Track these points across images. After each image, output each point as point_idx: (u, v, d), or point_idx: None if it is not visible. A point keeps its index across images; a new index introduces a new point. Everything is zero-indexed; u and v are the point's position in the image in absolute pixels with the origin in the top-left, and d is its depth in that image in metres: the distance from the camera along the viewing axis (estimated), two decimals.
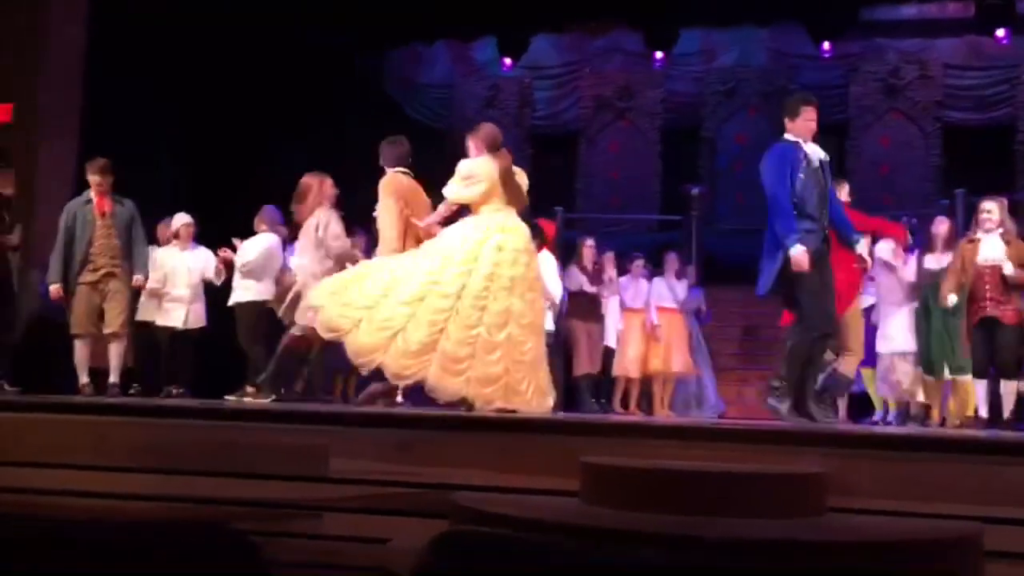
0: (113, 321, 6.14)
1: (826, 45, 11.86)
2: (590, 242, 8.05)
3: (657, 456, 3.43)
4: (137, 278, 6.32)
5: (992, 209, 5.96)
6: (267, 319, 6.78)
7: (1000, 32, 11.33)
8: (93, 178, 6.20)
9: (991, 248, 5.89)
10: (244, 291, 6.84)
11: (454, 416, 4.55)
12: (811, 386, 4.84)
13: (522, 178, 5.48)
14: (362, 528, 3.50)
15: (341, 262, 6.11)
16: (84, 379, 6.13)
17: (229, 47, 10.44)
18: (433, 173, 10.81)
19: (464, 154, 5.60)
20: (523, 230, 5.26)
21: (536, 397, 5.00)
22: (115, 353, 6.24)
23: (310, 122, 11.94)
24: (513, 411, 4.85)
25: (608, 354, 8.10)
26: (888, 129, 11.84)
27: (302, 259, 6.33)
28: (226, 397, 6.58)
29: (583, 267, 7.94)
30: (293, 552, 3.35)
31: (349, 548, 3.46)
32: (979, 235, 5.98)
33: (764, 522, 2.89)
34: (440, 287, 4.93)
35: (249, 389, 6.41)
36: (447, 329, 4.85)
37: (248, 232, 7.02)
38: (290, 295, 6.29)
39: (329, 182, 6.57)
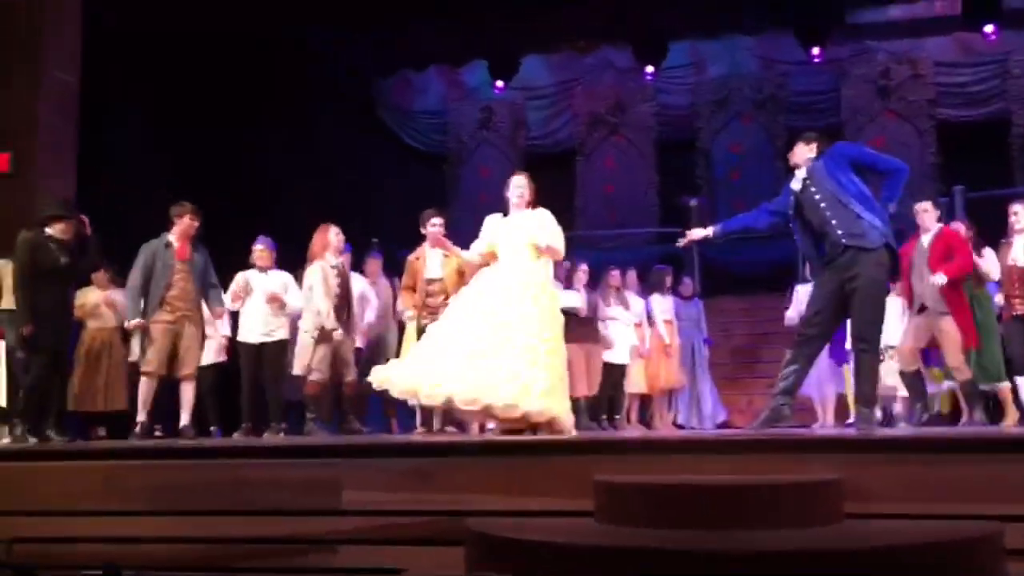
0: (188, 363, 6.18)
1: (815, 50, 11.90)
2: (584, 267, 8.04)
3: (670, 471, 3.41)
4: (217, 309, 6.46)
5: (1019, 211, 6.17)
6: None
7: (988, 28, 11.37)
8: (182, 223, 6.23)
9: (1020, 249, 6.13)
10: (280, 329, 6.94)
11: (463, 442, 4.54)
12: None
13: None
14: (377, 559, 3.47)
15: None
16: (142, 417, 6.12)
17: (219, 82, 10.52)
18: (432, 198, 10.87)
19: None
20: None
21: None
22: (188, 395, 6.26)
23: (311, 152, 12.02)
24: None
25: (615, 371, 8.07)
26: (883, 130, 11.87)
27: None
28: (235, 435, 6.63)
29: (577, 290, 7.91)
30: None
31: None
32: (1012, 238, 6.20)
33: (782, 532, 2.86)
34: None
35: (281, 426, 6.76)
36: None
37: (245, 264, 7.05)
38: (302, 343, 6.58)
39: (326, 232, 6.70)
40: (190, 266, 6.21)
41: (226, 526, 3.71)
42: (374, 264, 7.84)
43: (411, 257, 6.69)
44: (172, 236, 6.24)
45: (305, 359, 6.54)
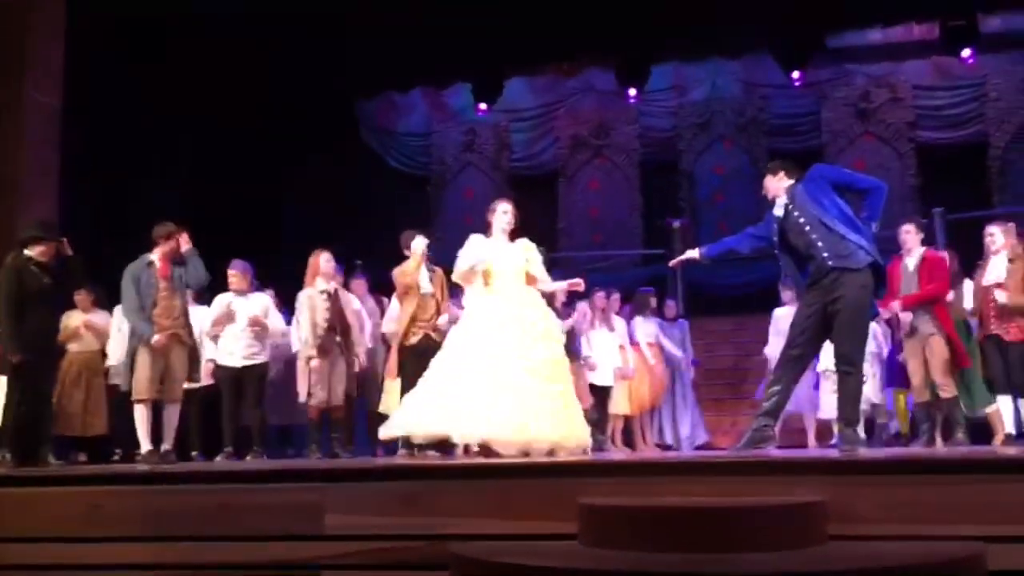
0: (174, 387, 6.12)
1: (796, 74, 12.04)
2: (602, 294, 8.19)
3: (654, 493, 3.41)
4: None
5: (995, 233, 6.32)
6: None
7: (965, 52, 11.54)
8: (165, 243, 6.18)
9: (993, 270, 6.25)
10: (261, 353, 6.94)
11: (447, 465, 4.52)
12: None
13: None
14: None
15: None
16: (147, 446, 6.00)
17: (204, 103, 10.52)
18: (417, 220, 10.86)
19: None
20: None
21: None
22: (172, 418, 6.16)
23: (296, 174, 12.03)
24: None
25: (599, 392, 8.07)
26: (862, 152, 11.99)
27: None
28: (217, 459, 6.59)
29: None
30: None
31: None
32: (988, 259, 6.35)
33: (767, 555, 2.87)
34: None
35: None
36: None
37: (224, 287, 7.03)
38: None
39: (317, 259, 6.75)
40: (173, 283, 6.16)
41: (211, 552, 3.68)
42: (359, 285, 7.84)
43: (399, 271, 6.65)
44: (154, 256, 6.21)
45: (304, 385, 6.57)
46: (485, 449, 5.14)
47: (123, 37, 9.44)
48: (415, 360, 6.34)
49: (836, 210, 4.78)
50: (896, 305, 6.26)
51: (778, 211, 5.00)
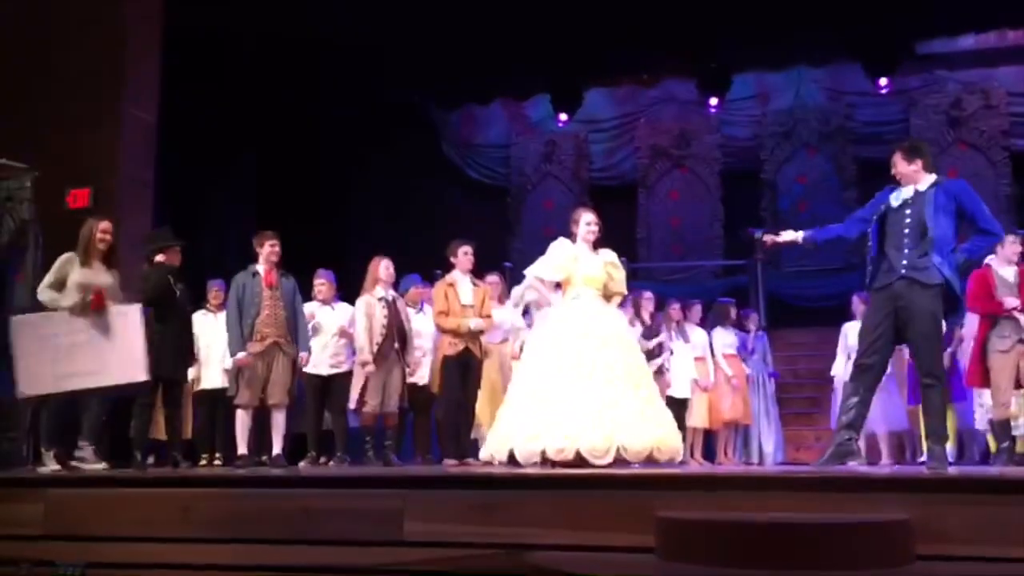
0: (278, 392, 6.30)
1: (883, 81, 11.74)
2: (648, 294, 8.10)
3: (733, 508, 3.37)
4: (302, 355, 6.51)
5: None
6: None
7: None
8: (264, 250, 6.42)
9: None
10: (346, 361, 7.11)
11: (526, 475, 4.54)
12: None
13: None
14: None
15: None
16: (243, 449, 6.25)
17: (291, 117, 10.79)
18: (497, 231, 10.92)
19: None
20: None
21: None
22: (279, 424, 6.37)
23: (378, 185, 12.24)
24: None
25: (676, 406, 7.99)
26: (954, 161, 11.63)
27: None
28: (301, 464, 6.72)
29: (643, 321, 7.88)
30: None
31: None
32: None
33: (851, 573, 2.81)
34: None
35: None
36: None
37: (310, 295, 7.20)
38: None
39: (377, 266, 6.82)
40: (278, 292, 6.35)
41: (292, 555, 3.77)
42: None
43: (441, 284, 6.74)
44: (258, 265, 6.40)
45: (356, 391, 6.67)
46: (577, 462, 5.14)
47: (213, 53, 9.74)
48: (456, 372, 6.49)
49: (941, 231, 4.65)
50: (1011, 301, 6.05)
51: (895, 200, 4.82)
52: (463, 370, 6.55)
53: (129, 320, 5.62)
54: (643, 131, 12.93)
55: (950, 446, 7.38)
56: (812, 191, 12.20)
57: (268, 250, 6.42)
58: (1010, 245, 6.26)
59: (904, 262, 4.65)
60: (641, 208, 12.71)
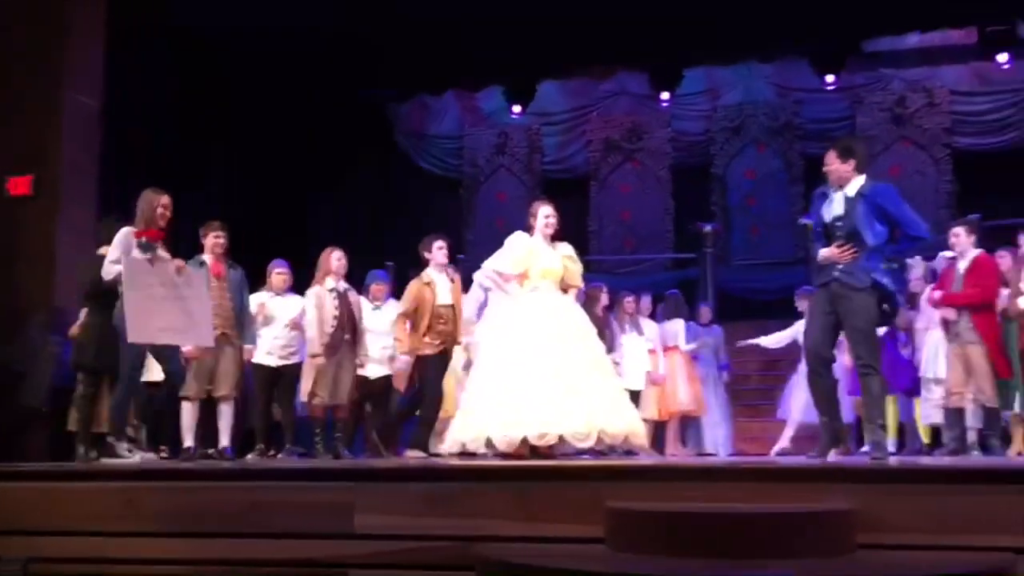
0: (225, 383, 6.21)
1: (830, 77, 11.92)
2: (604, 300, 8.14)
3: (682, 498, 3.41)
4: (248, 348, 6.42)
5: None
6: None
7: (1003, 57, 11.37)
8: (209, 241, 6.31)
9: None
10: (296, 353, 7.01)
11: (476, 467, 4.54)
12: None
13: None
14: None
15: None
16: (189, 442, 6.12)
17: (238, 106, 10.64)
18: (447, 222, 10.88)
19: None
20: None
21: None
22: (226, 416, 6.27)
23: (331, 178, 12.12)
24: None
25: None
26: (898, 157, 11.87)
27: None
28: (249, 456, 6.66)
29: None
30: None
31: None
32: None
33: (795, 562, 2.86)
34: None
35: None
36: None
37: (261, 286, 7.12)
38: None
39: (329, 257, 6.70)
40: (226, 283, 6.26)
41: (242, 548, 3.73)
42: (378, 289, 7.80)
43: (417, 283, 6.66)
44: (205, 255, 6.32)
45: (306, 384, 6.60)
46: (559, 445, 5.23)
47: (157, 43, 9.57)
48: (436, 371, 6.46)
49: (873, 239, 4.80)
50: (936, 295, 6.24)
51: (827, 213, 4.95)
52: (442, 367, 6.55)
53: (201, 286, 5.75)
54: (595, 124, 12.98)
55: (891, 438, 7.57)
56: (761, 186, 12.37)
57: (213, 241, 6.31)
58: (952, 236, 6.40)
59: (839, 265, 4.82)
60: (593, 201, 12.77)
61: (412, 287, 6.67)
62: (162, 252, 5.62)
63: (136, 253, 5.49)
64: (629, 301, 8.31)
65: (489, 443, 5.36)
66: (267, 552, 3.71)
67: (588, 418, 5.22)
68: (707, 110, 12.72)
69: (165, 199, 5.66)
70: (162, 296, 5.43)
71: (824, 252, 4.89)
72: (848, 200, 4.88)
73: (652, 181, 12.72)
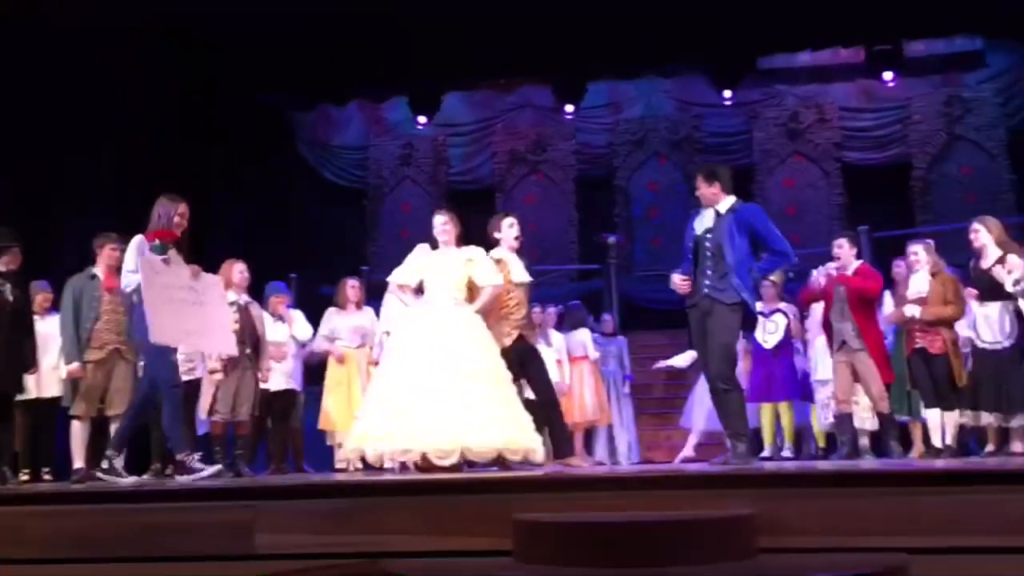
0: (117, 403, 5.92)
1: (728, 93, 12.27)
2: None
3: (589, 508, 3.42)
4: (140, 364, 6.07)
5: (918, 251, 6.50)
6: None
7: (888, 75, 11.90)
8: (104, 253, 6.04)
9: (915, 285, 6.42)
10: (195, 369, 6.71)
11: (381, 481, 4.48)
12: None
13: None
14: None
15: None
16: (79, 463, 5.82)
17: (138, 113, 10.30)
18: (355, 233, 10.72)
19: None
20: None
21: None
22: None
23: (232, 188, 11.82)
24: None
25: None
26: (792, 171, 12.29)
27: None
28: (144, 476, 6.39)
29: None
30: None
31: None
32: (911, 276, 6.53)
33: (698, 568, 2.90)
34: None
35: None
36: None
37: None
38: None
39: (229, 270, 6.55)
40: (119, 297, 5.97)
41: (137, 572, 3.59)
42: (278, 301, 7.61)
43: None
44: (97, 268, 6.06)
45: (206, 400, 6.42)
46: (425, 464, 5.10)
47: (51, 40, 9.20)
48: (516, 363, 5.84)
49: (737, 255, 5.09)
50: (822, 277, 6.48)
51: (699, 227, 5.25)
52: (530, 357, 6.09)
53: (219, 292, 5.62)
54: (500, 136, 13.05)
55: (788, 443, 7.79)
56: (662, 198, 12.62)
57: (108, 253, 6.07)
58: (836, 248, 6.60)
59: (707, 283, 5.10)
60: (499, 212, 12.80)
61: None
62: (176, 256, 5.39)
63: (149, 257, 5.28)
64: (536, 312, 8.33)
65: (363, 457, 5.40)
66: None
67: (452, 434, 5.09)
68: (610, 123, 12.94)
69: (182, 207, 5.41)
70: (181, 299, 5.25)
71: (674, 278, 5.22)
72: (718, 216, 5.21)
73: (556, 193, 12.85)
